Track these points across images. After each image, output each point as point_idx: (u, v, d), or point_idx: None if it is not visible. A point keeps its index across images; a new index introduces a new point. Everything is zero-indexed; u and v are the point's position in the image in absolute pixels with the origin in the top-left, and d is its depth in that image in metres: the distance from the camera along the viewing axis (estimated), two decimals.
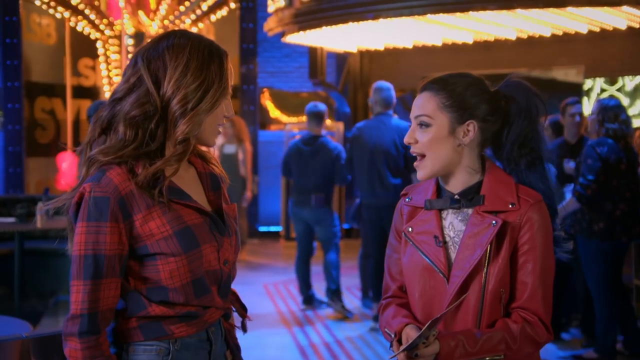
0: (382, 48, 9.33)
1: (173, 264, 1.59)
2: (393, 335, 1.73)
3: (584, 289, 4.98)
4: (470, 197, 1.76)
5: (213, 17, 9.69)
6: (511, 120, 1.79)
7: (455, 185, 1.79)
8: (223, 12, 9.70)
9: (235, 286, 1.79)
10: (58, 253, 6.07)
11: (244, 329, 1.80)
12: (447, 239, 1.77)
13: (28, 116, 10.03)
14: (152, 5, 9.39)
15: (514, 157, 1.79)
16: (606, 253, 4.57)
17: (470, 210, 1.76)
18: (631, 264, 5.38)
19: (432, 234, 1.76)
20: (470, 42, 8.59)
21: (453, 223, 1.78)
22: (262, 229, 10.18)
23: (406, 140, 1.79)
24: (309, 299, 6.16)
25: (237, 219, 1.77)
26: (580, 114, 5.22)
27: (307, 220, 6.09)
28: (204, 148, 1.76)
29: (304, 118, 10.49)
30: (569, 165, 5.07)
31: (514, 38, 8.21)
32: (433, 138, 1.75)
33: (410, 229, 1.79)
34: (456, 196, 1.78)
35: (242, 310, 1.80)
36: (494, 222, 1.71)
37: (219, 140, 7.35)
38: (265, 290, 6.96)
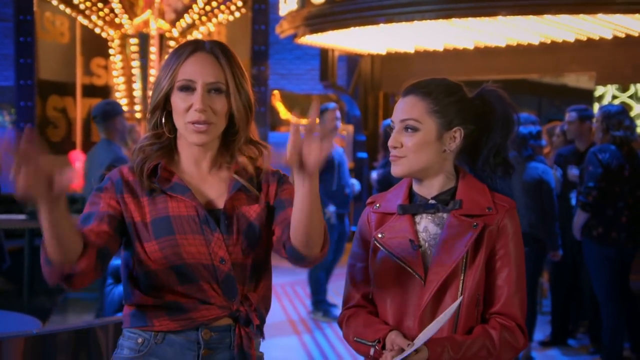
0: (393, 51, 9.34)
1: (147, 248, 1.68)
2: (375, 342, 1.71)
3: (591, 295, 4.97)
4: (446, 201, 1.77)
5: (223, 19, 9.72)
6: (489, 129, 1.79)
7: (431, 190, 1.79)
8: (236, 14, 9.73)
9: None
10: None
11: (261, 334, 1.76)
12: (422, 242, 1.76)
13: (40, 114, 10.09)
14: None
15: (490, 166, 1.80)
16: (611, 259, 4.55)
17: (445, 215, 1.76)
18: (639, 271, 5.36)
19: (407, 238, 1.75)
20: (481, 47, 8.58)
21: (428, 227, 1.77)
22: None
23: (390, 143, 1.77)
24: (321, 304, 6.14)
25: (253, 221, 1.73)
26: (572, 122, 5.18)
27: None
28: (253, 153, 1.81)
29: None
30: (572, 172, 5.06)
31: (525, 44, 8.19)
32: (419, 142, 1.74)
33: (380, 235, 1.77)
34: (431, 200, 1.78)
35: (255, 314, 1.72)
36: (474, 224, 1.72)
37: None
38: (272, 291, 6.96)
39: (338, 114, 5.90)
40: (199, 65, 1.69)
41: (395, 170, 1.78)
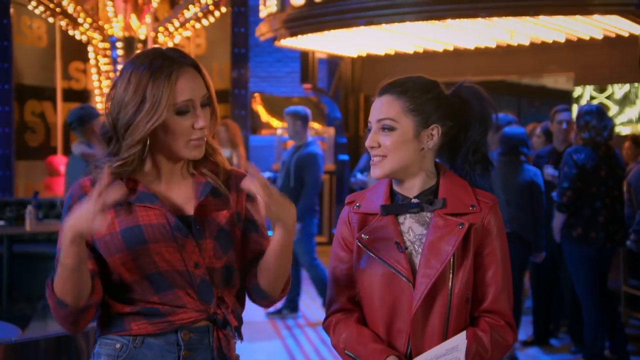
0: (374, 53, 9.36)
1: (118, 259, 1.65)
2: None
3: (571, 294, 5.00)
4: (430, 200, 1.75)
5: (205, 22, 9.70)
6: (467, 126, 1.78)
7: (412, 189, 1.77)
8: (215, 15, 9.71)
9: None
10: (47, 256, 6.05)
11: (239, 336, 1.75)
12: (408, 243, 1.75)
13: (18, 119, 9.99)
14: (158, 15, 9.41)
15: (469, 163, 1.79)
16: (591, 259, 4.58)
17: (429, 214, 1.75)
18: (619, 270, 5.41)
19: (392, 240, 1.73)
20: (461, 48, 8.63)
21: (412, 227, 1.76)
22: None
23: (368, 144, 1.76)
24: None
25: (228, 227, 1.73)
26: (568, 122, 5.25)
27: None
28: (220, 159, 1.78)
29: None
30: (547, 171, 5.11)
31: (504, 45, 8.25)
32: (397, 141, 1.73)
33: (364, 237, 1.75)
34: (414, 200, 1.76)
35: (232, 316, 1.73)
36: (460, 224, 1.71)
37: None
38: None
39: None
40: (192, 82, 1.66)
41: (376, 172, 1.76)
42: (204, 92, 1.68)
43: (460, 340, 1.66)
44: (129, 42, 9.38)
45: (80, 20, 9.31)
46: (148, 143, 1.67)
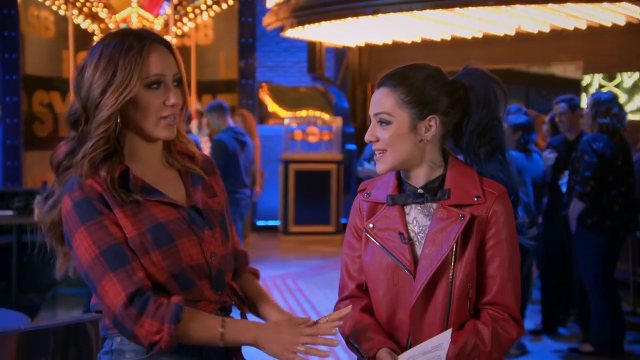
0: (381, 43, 9.32)
1: (147, 260, 1.58)
2: (364, 358, 1.71)
3: (580, 284, 4.99)
4: (435, 191, 1.73)
5: (212, 12, 9.68)
6: (470, 110, 1.75)
7: (418, 180, 1.75)
8: (223, 6, 9.69)
9: None
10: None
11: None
12: (412, 234, 1.73)
13: (26, 109, 10.01)
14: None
15: (473, 147, 1.76)
16: (602, 247, 4.58)
17: (434, 205, 1.73)
18: (628, 260, 5.40)
19: (397, 231, 1.72)
20: (469, 37, 8.57)
21: (417, 218, 1.74)
22: (260, 223, 10.18)
23: (367, 138, 1.75)
24: None
25: (224, 212, 1.76)
26: (561, 114, 5.18)
27: None
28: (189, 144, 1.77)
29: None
30: (547, 154, 5.07)
31: (513, 34, 8.20)
32: (393, 135, 1.71)
33: (371, 226, 1.75)
34: (419, 190, 1.74)
35: (241, 303, 1.78)
36: (461, 216, 1.68)
37: None
38: (263, 284, 6.96)
39: None
40: (163, 58, 1.62)
41: (380, 167, 1.76)
42: (175, 71, 1.65)
43: (444, 339, 1.63)
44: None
45: (97, 10, 9.29)
46: (119, 122, 1.61)
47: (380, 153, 1.74)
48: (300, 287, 6.78)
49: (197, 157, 1.77)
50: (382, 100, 1.72)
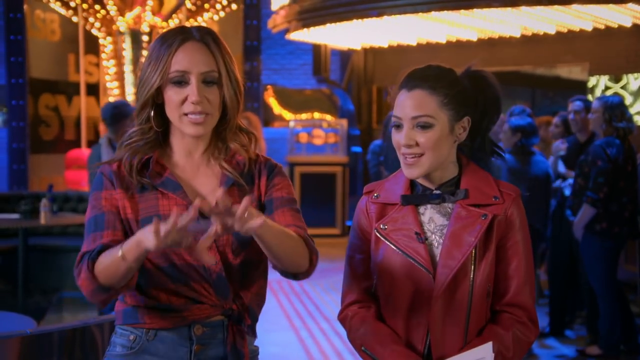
0: (386, 45, 9.32)
1: None
2: None
3: (588, 286, 4.97)
4: (452, 191, 1.72)
5: (208, 17, 9.70)
6: (484, 113, 1.75)
7: (434, 180, 1.73)
8: (228, 9, 9.71)
9: None
10: (62, 249, 6.08)
11: (252, 334, 1.74)
12: (428, 234, 1.71)
13: (32, 113, 10.04)
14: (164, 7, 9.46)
15: (484, 149, 1.77)
16: (611, 252, 4.56)
17: (450, 205, 1.72)
18: (636, 262, 5.37)
19: (412, 231, 1.70)
20: (475, 39, 8.57)
21: (434, 218, 1.72)
22: None
23: (405, 142, 1.68)
24: None
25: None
26: (576, 111, 5.15)
27: None
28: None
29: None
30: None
31: (518, 35, 8.19)
32: (435, 138, 1.67)
33: (383, 227, 1.72)
34: (436, 190, 1.73)
35: (248, 317, 1.72)
36: (483, 215, 1.67)
37: None
38: (269, 287, 6.96)
39: None
40: (191, 55, 1.64)
41: (414, 172, 1.70)
42: (206, 69, 1.64)
43: (487, 352, 1.60)
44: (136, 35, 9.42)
45: (109, 8, 9.31)
46: (152, 115, 1.68)
47: (413, 157, 1.69)
48: (306, 289, 6.77)
49: (243, 161, 1.72)
50: (420, 103, 1.68)
